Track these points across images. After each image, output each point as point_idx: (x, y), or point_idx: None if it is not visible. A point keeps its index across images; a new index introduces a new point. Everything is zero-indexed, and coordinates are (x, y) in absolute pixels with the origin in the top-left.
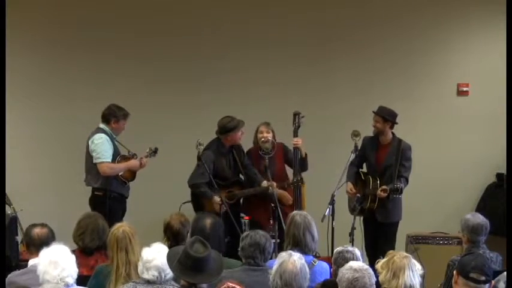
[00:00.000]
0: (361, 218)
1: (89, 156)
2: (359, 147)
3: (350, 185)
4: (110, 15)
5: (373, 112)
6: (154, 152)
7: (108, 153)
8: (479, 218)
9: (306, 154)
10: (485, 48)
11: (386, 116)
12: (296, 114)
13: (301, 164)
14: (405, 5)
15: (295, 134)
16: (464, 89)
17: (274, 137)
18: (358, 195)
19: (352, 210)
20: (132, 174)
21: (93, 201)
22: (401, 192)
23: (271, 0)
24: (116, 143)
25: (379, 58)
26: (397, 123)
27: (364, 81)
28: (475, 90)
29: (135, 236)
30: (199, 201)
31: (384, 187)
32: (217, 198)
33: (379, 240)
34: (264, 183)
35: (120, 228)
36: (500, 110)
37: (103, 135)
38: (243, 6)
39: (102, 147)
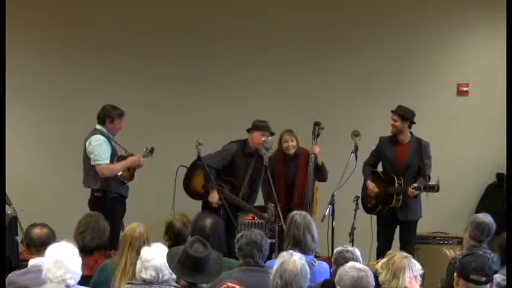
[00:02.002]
0: (372, 217)
1: (86, 158)
2: (375, 147)
3: (372, 184)
4: (110, 15)
5: (392, 111)
6: (151, 151)
7: (106, 155)
8: (488, 218)
9: (322, 163)
10: (485, 48)
11: (405, 115)
12: (316, 124)
13: (318, 172)
14: (405, 5)
15: (314, 143)
16: (464, 89)
17: (297, 143)
18: (358, 195)
19: (368, 210)
20: (130, 174)
21: (93, 202)
22: (438, 189)
23: (271, 0)
24: (113, 143)
25: (379, 58)
26: (415, 123)
27: (364, 81)
28: (475, 90)
29: (150, 240)
30: (190, 177)
31: (415, 185)
32: (216, 196)
33: (400, 240)
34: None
35: (137, 228)
36: (500, 110)
37: (100, 137)
38: (243, 6)
39: (99, 149)
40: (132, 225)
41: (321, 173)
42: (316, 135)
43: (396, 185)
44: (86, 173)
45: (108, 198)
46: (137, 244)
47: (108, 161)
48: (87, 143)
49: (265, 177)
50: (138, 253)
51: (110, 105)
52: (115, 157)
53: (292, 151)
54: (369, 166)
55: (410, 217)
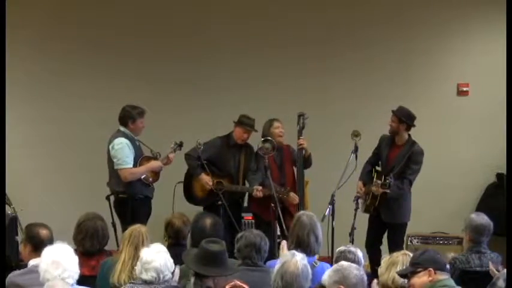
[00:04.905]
0: (367, 215)
1: (110, 161)
2: (376, 146)
3: (360, 184)
4: (110, 15)
5: (392, 111)
6: (180, 146)
7: (129, 159)
8: (484, 219)
9: (309, 154)
10: (485, 48)
11: (402, 118)
12: (300, 115)
13: (305, 163)
14: (405, 5)
15: (300, 135)
16: (464, 89)
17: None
18: (358, 195)
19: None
20: (156, 175)
21: (118, 204)
22: (389, 187)
23: (271, 0)
24: (137, 143)
25: (379, 58)
26: (414, 126)
27: (364, 81)
28: (475, 90)
29: (148, 241)
30: (189, 182)
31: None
32: (205, 177)
33: (388, 242)
34: (255, 187)
35: (137, 228)
36: (500, 110)
37: (123, 140)
38: (243, 6)
39: (122, 152)
40: (134, 226)
41: (307, 164)
42: (301, 127)
43: (373, 183)
44: (111, 176)
45: (133, 199)
46: (136, 241)
47: (131, 165)
48: (110, 146)
49: (267, 178)
50: (136, 249)
51: (129, 105)
52: (139, 158)
53: (280, 139)
54: (369, 165)
55: (393, 219)
